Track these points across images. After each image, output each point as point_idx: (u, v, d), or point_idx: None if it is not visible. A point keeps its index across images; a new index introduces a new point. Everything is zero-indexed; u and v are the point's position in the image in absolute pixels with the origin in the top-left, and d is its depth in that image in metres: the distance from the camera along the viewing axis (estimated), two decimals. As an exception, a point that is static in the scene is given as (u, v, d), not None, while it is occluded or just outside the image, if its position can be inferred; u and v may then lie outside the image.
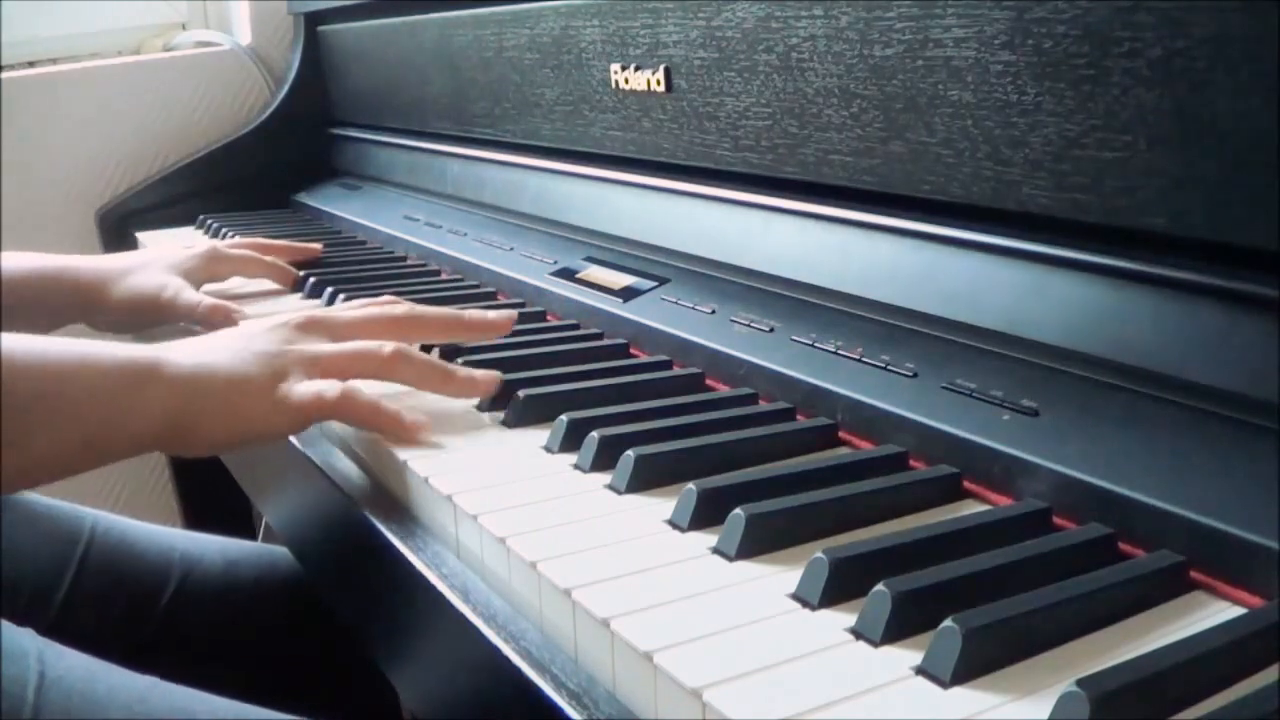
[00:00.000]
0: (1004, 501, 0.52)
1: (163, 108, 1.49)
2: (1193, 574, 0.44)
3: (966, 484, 0.54)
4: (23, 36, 1.50)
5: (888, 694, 0.38)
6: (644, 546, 0.49)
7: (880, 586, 0.41)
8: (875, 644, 0.41)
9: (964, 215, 0.62)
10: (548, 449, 0.61)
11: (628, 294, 0.81)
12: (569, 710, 0.41)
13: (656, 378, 0.70)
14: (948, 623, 0.39)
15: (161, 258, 0.95)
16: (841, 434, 0.60)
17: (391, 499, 0.61)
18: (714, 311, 0.74)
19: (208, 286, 0.97)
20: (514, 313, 0.76)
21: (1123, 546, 0.47)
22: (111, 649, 0.65)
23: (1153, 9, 0.49)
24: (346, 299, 0.88)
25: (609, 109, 0.91)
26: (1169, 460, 0.47)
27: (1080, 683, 0.35)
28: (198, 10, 1.65)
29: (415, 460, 0.59)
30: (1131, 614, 0.43)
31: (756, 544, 0.48)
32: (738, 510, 0.48)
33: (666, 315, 0.76)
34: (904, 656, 0.40)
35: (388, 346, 0.66)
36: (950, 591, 0.42)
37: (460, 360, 0.72)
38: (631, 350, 0.77)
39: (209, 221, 1.37)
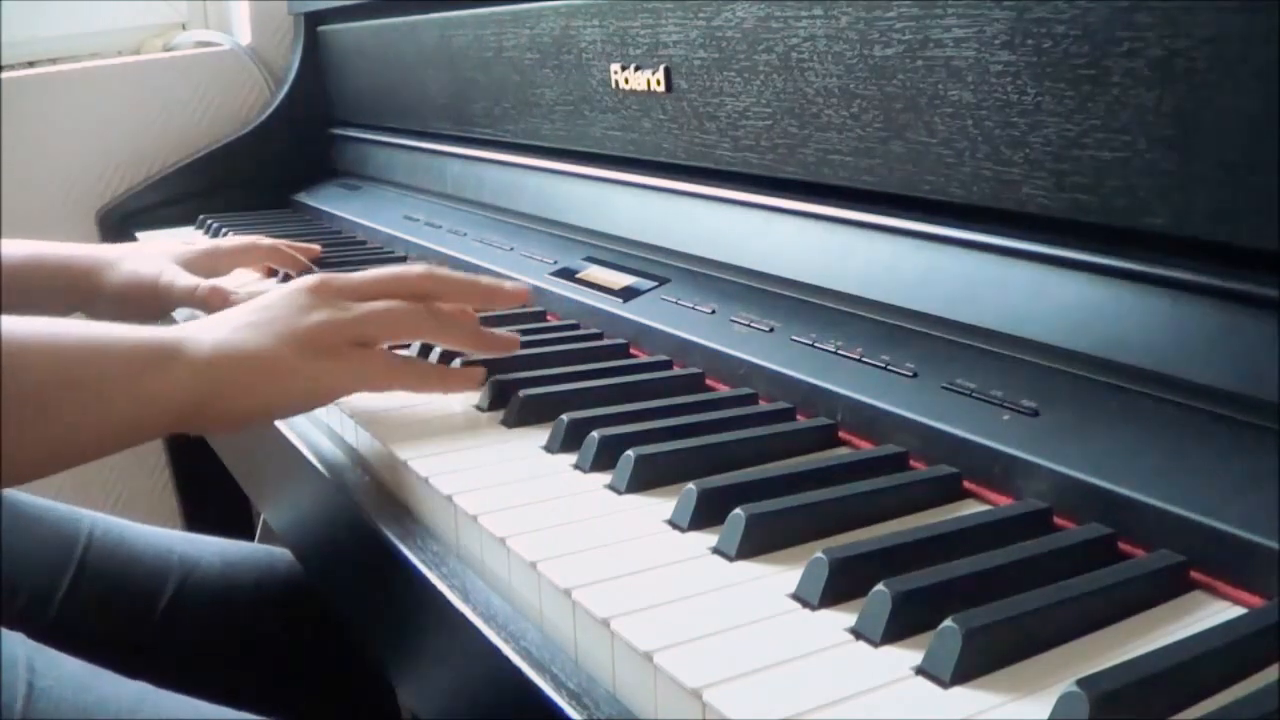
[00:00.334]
0: (1004, 501, 0.52)
1: (163, 108, 1.49)
2: (1193, 574, 0.44)
3: (966, 484, 0.53)
4: (23, 36, 1.50)
5: (888, 694, 0.38)
6: (644, 546, 0.49)
7: (880, 586, 0.41)
8: (875, 644, 0.41)
9: (964, 215, 0.62)
10: (548, 449, 0.61)
11: (628, 294, 0.81)
12: (569, 710, 0.41)
13: (656, 378, 0.70)
14: (948, 623, 0.39)
15: (160, 247, 0.96)
16: (841, 434, 0.60)
17: (392, 499, 0.61)
18: (714, 311, 0.74)
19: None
20: (527, 287, 0.75)
21: (1123, 546, 0.47)
22: (110, 651, 0.65)
23: (1153, 9, 0.49)
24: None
25: (609, 109, 0.91)
26: (1169, 460, 0.47)
27: (1080, 683, 0.35)
28: (198, 10, 1.65)
29: (415, 460, 0.59)
30: (1131, 614, 0.43)
31: (756, 544, 0.48)
32: (738, 510, 0.48)
33: (666, 315, 0.76)
34: (904, 656, 0.40)
35: (413, 305, 0.65)
36: (950, 591, 0.42)
37: (459, 362, 0.72)
38: (631, 350, 0.77)
39: (209, 221, 1.37)
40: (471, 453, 0.61)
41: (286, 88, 1.52)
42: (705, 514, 0.50)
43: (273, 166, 1.50)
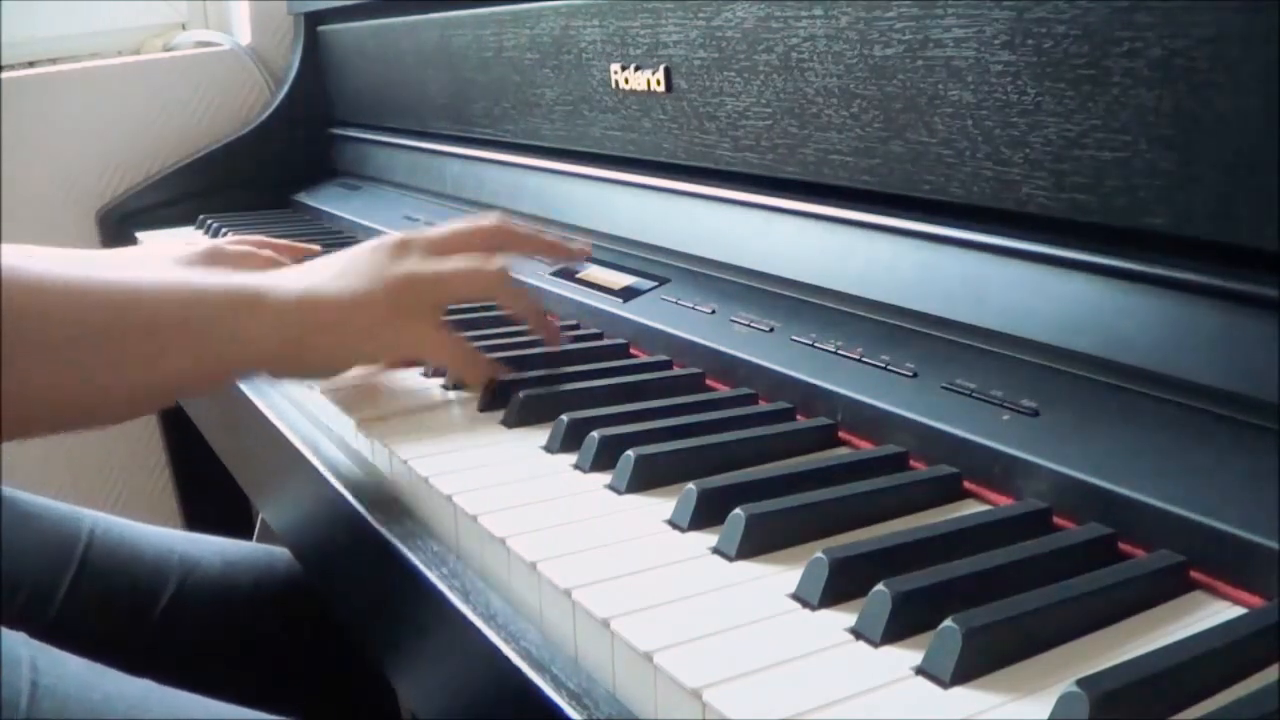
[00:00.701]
0: (1004, 501, 0.52)
1: (163, 108, 1.49)
2: (1193, 574, 0.44)
3: (966, 484, 0.53)
4: (22, 36, 1.50)
5: (888, 694, 0.38)
6: (644, 546, 0.49)
7: (880, 586, 0.41)
8: (875, 644, 0.41)
9: (964, 215, 0.62)
10: (548, 449, 0.61)
11: (628, 294, 0.81)
12: (569, 710, 0.41)
13: (656, 378, 0.70)
14: (948, 623, 0.39)
15: (162, 253, 0.95)
16: (841, 434, 0.60)
17: (392, 499, 0.61)
18: (714, 311, 0.74)
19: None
20: (588, 246, 0.81)
21: (1123, 546, 0.47)
22: (110, 651, 0.65)
23: (1153, 9, 0.49)
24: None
25: (609, 109, 0.91)
26: (1169, 460, 0.47)
27: (1080, 683, 0.35)
28: (198, 10, 1.65)
29: (416, 460, 0.59)
30: (1131, 614, 0.43)
31: (756, 544, 0.48)
32: (738, 510, 0.48)
33: (666, 315, 0.76)
34: (904, 656, 0.40)
35: (494, 263, 0.69)
36: (950, 591, 0.42)
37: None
38: (631, 350, 0.77)
39: (209, 221, 1.37)
40: (472, 453, 0.61)
41: (286, 88, 1.52)
42: (705, 514, 0.50)
43: (273, 166, 1.50)
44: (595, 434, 0.58)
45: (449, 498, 0.54)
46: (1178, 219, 0.50)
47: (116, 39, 1.60)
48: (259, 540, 1.09)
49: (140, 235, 1.39)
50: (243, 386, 0.79)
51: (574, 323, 0.84)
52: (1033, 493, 0.50)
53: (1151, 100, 0.50)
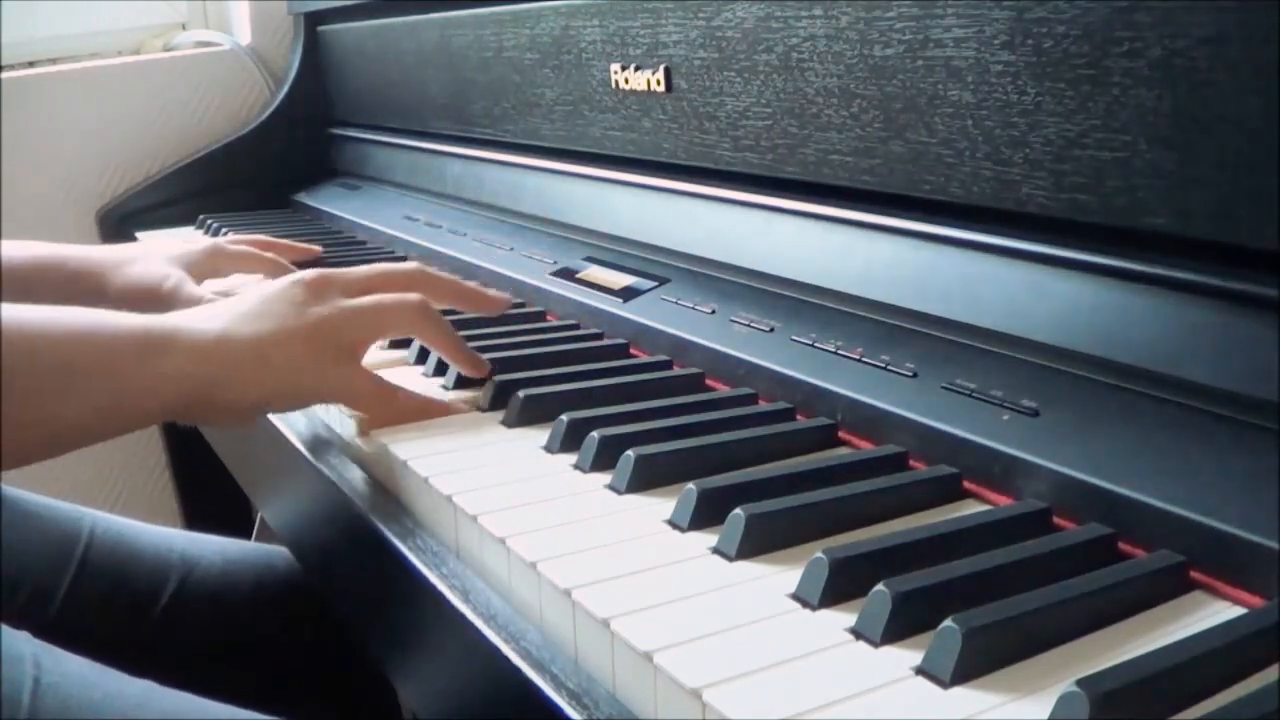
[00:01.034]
0: (1004, 501, 0.52)
1: (162, 108, 1.49)
2: (1193, 574, 0.44)
3: (966, 484, 0.54)
4: (22, 36, 1.50)
5: (888, 694, 0.38)
6: (644, 546, 0.49)
7: (880, 586, 0.41)
8: (875, 644, 0.41)
9: (964, 215, 0.62)
10: (547, 449, 0.61)
11: (628, 294, 0.81)
12: (569, 710, 0.41)
13: (656, 378, 0.70)
14: (948, 623, 0.39)
15: (162, 249, 0.95)
16: (841, 434, 0.60)
17: (391, 499, 0.61)
18: (714, 311, 0.74)
19: (208, 283, 0.97)
20: (509, 297, 0.78)
21: (1123, 546, 0.47)
22: (111, 650, 0.65)
23: (1153, 9, 0.49)
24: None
25: (609, 109, 0.91)
26: (1169, 460, 0.47)
27: (1080, 683, 0.35)
28: (198, 10, 1.65)
29: (415, 460, 0.59)
30: (1131, 614, 0.43)
31: (756, 544, 0.48)
32: (738, 510, 0.48)
33: (666, 315, 0.76)
34: (904, 656, 0.40)
35: (413, 297, 0.67)
36: (950, 591, 0.42)
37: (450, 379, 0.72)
38: (631, 350, 0.77)
39: (209, 221, 1.37)
40: (471, 453, 0.61)
41: (286, 88, 1.52)
42: (705, 514, 0.50)
43: (273, 166, 1.50)
44: (595, 434, 0.58)
45: (448, 498, 0.54)
46: (1177, 219, 0.50)
47: (116, 39, 1.60)
48: (258, 540, 1.09)
49: (140, 235, 1.39)
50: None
51: (574, 323, 0.84)
52: (1032, 493, 0.50)
53: (1151, 100, 0.50)
